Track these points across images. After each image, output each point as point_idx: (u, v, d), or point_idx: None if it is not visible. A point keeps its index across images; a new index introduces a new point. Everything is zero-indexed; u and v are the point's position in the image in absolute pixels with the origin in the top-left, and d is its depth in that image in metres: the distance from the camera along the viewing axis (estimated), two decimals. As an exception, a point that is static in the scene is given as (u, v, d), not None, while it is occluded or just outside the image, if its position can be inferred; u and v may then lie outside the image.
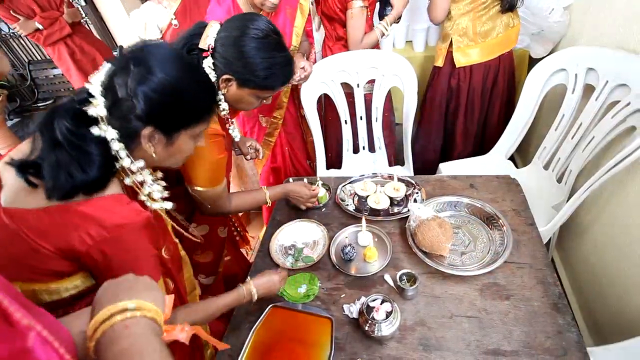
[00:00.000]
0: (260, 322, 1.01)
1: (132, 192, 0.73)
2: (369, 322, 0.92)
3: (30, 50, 4.11)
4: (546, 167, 1.63)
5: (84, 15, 3.16)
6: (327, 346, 0.93)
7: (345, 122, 1.85)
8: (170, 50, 0.71)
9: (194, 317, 0.84)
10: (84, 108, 0.63)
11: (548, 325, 0.91)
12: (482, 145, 2.00)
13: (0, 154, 1.30)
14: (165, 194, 0.79)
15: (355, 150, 1.96)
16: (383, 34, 1.70)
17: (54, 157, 0.60)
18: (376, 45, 1.78)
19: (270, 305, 1.04)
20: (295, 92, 1.77)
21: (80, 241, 0.61)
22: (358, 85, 1.77)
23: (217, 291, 1.31)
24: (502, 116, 1.92)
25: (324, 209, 1.36)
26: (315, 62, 1.83)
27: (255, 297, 0.96)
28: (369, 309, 0.93)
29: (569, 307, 0.94)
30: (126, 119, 0.65)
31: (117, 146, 0.65)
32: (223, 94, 0.99)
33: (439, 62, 1.83)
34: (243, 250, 1.66)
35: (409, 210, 1.21)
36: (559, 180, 1.54)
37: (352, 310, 1.00)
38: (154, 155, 0.70)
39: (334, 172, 1.92)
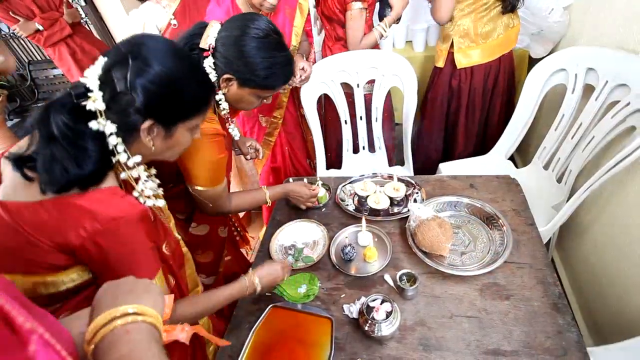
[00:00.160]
0: (260, 322, 1.01)
1: (127, 186, 0.74)
2: (369, 322, 0.92)
3: (30, 50, 4.11)
4: (546, 167, 1.63)
5: (83, 15, 3.16)
6: (327, 346, 0.93)
7: (345, 122, 1.85)
8: (166, 42, 0.71)
9: (195, 309, 0.84)
10: (83, 102, 0.62)
11: (548, 325, 0.91)
12: (483, 145, 2.00)
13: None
14: (159, 191, 0.79)
15: (355, 150, 1.96)
16: (382, 35, 1.70)
17: (49, 151, 0.61)
18: (375, 46, 1.78)
19: (270, 305, 1.04)
20: (295, 91, 1.78)
21: (76, 234, 0.61)
22: (358, 86, 1.77)
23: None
24: (502, 116, 1.92)
25: (324, 209, 1.36)
26: (314, 62, 1.83)
27: (259, 288, 0.96)
28: (369, 309, 0.93)
29: (569, 307, 0.94)
30: (125, 113, 0.65)
31: (114, 140, 0.65)
32: (224, 94, 1.00)
33: (440, 63, 1.83)
34: (243, 250, 1.66)
35: (409, 210, 1.21)
36: (559, 180, 1.54)
37: (352, 310, 1.00)
38: (153, 148, 0.71)
39: (334, 172, 1.92)
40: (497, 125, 1.92)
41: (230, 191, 1.19)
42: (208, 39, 0.93)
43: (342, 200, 1.36)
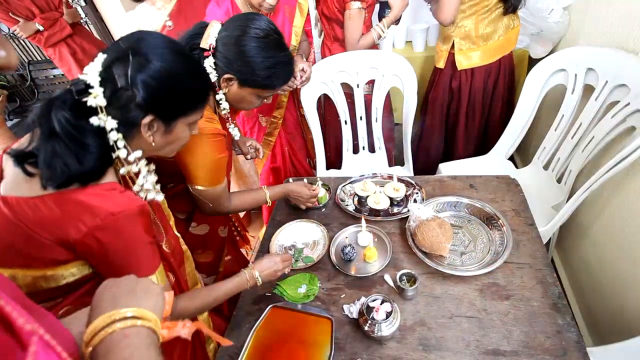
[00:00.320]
0: (260, 322, 1.01)
1: (126, 182, 0.74)
2: (369, 322, 0.92)
3: (30, 50, 4.11)
4: (546, 167, 1.63)
5: (83, 15, 3.16)
6: (327, 346, 0.93)
7: (345, 122, 1.86)
8: (164, 38, 0.71)
9: (195, 304, 0.84)
10: (83, 99, 0.63)
11: (548, 325, 0.91)
12: (483, 145, 2.00)
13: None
14: (158, 186, 0.80)
15: (355, 150, 1.96)
16: (380, 36, 1.69)
17: (50, 148, 0.61)
18: (374, 46, 1.78)
19: (270, 306, 1.04)
20: (295, 92, 1.78)
21: (76, 229, 0.61)
22: (358, 86, 1.77)
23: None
24: (502, 117, 1.92)
25: (324, 209, 1.36)
26: (314, 62, 1.83)
27: (260, 281, 0.97)
28: (369, 309, 0.94)
29: (569, 307, 0.94)
30: (126, 108, 0.65)
31: (115, 136, 0.65)
32: (224, 94, 1.00)
33: (440, 64, 1.83)
34: (243, 250, 1.66)
35: (408, 211, 1.21)
36: (559, 181, 1.54)
37: (352, 310, 1.00)
38: (153, 144, 0.71)
39: (334, 172, 1.92)
40: (497, 125, 1.92)
41: (230, 191, 1.19)
42: (209, 39, 0.93)
43: (342, 201, 1.36)
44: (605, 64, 1.33)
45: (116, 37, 3.41)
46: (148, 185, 0.75)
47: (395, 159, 2.09)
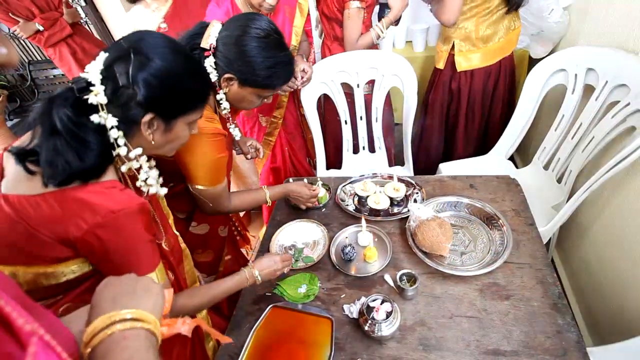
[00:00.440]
0: (260, 322, 1.01)
1: (127, 180, 0.75)
2: (369, 322, 0.92)
3: (30, 50, 4.11)
4: (546, 167, 1.63)
5: (83, 15, 3.16)
6: (327, 346, 0.93)
7: (345, 122, 1.86)
8: (165, 38, 0.72)
9: (194, 301, 0.85)
10: (85, 97, 0.63)
11: (548, 325, 0.91)
12: (483, 145, 2.00)
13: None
14: (161, 180, 0.80)
15: (355, 150, 1.96)
16: (379, 36, 1.69)
17: (52, 145, 0.61)
18: (373, 46, 1.78)
19: (271, 305, 1.04)
20: (295, 91, 1.78)
21: (76, 226, 0.62)
22: (358, 86, 1.77)
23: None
24: (502, 117, 1.92)
25: (324, 209, 1.36)
26: (314, 62, 1.83)
27: (259, 280, 0.97)
28: (369, 309, 0.94)
29: (569, 307, 0.94)
30: (127, 107, 0.66)
31: (115, 134, 0.66)
32: (224, 93, 1.00)
33: (440, 65, 1.83)
34: (243, 250, 1.67)
35: (409, 211, 1.21)
36: (559, 181, 1.54)
37: (352, 310, 1.00)
38: (152, 142, 0.72)
39: (334, 172, 1.92)
40: (497, 125, 1.92)
41: (230, 191, 1.19)
42: (209, 39, 0.93)
43: (342, 201, 1.36)
44: (605, 64, 1.33)
45: (116, 37, 3.41)
46: (151, 181, 0.76)
47: (395, 159, 2.09)
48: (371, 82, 1.79)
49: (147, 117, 0.68)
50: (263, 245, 1.27)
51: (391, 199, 1.30)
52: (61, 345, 0.37)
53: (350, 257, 1.13)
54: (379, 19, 1.71)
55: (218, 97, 1.00)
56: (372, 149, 1.94)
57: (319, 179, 1.42)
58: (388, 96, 1.85)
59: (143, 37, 0.69)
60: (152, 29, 1.83)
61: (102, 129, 0.65)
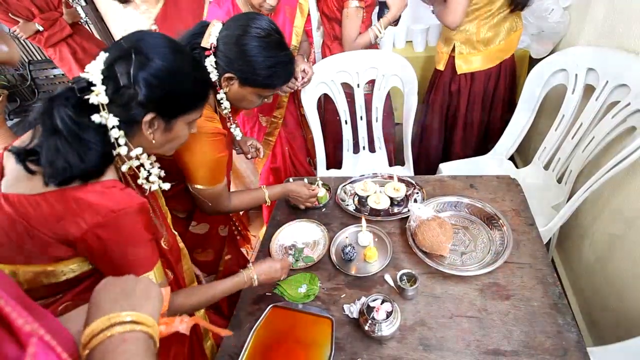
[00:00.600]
0: (261, 322, 1.01)
1: (127, 180, 0.75)
2: (369, 322, 0.92)
3: (30, 50, 4.11)
4: (546, 167, 1.63)
5: (83, 15, 3.16)
6: (327, 346, 0.93)
7: (346, 122, 1.86)
8: (165, 38, 0.73)
9: (191, 301, 0.85)
10: (86, 96, 0.64)
11: (548, 325, 0.91)
12: (484, 145, 2.00)
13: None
14: (162, 173, 0.81)
15: (356, 150, 1.96)
16: (377, 36, 1.69)
17: (52, 145, 0.62)
18: (372, 46, 1.78)
19: (271, 305, 1.04)
20: (295, 91, 1.77)
21: (76, 226, 0.62)
22: (358, 86, 1.77)
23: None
24: (503, 117, 1.92)
25: (324, 209, 1.36)
26: (314, 62, 1.83)
27: (256, 283, 0.98)
28: (369, 309, 0.94)
29: (569, 307, 0.94)
30: (128, 106, 0.66)
31: (116, 134, 0.66)
32: (225, 93, 1.00)
33: (441, 66, 1.83)
34: (244, 250, 1.67)
35: (409, 211, 1.21)
36: (559, 181, 1.54)
37: (352, 310, 1.00)
38: (153, 141, 0.72)
39: (334, 172, 1.92)
40: (498, 125, 1.92)
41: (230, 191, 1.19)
42: (210, 38, 0.93)
43: (343, 200, 1.36)
44: (605, 64, 1.33)
45: (116, 37, 3.41)
46: (153, 177, 0.76)
47: (396, 159, 2.09)
48: (371, 82, 1.79)
49: (148, 117, 0.68)
50: (263, 245, 1.27)
51: (391, 198, 1.30)
52: (61, 345, 0.37)
53: (350, 257, 1.13)
54: (378, 19, 1.71)
55: (218, 96, 1.00)
56: (372, 149, 1.94)
57: (318, 178, 1.42)
58: (388, 96, 1.85)
59: (143, 37, 0.70)
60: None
61: (102, 129, 0.66)
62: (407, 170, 1.81)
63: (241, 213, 2.01)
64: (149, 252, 0.72)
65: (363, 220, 1.17)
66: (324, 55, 1.87)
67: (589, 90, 1.41)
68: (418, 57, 2.42)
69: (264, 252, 1.23)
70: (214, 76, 0.96)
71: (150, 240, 0.72)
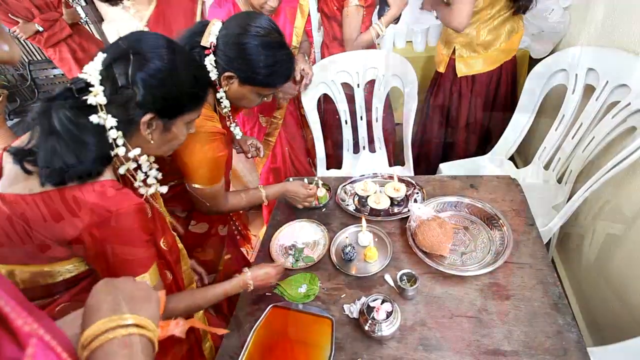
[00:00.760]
0: (261, 322, 1.01)
1: (125, 181, 0.75)
2: (370, 322, 0.92)
3: (30, 50, 4.11)
4: (546, 167, 1.63)
5: (83, 15, 3.16)
6: (327, 346, 0.93)
7: (346, 122, 1.86)
8: (163, 38, 0.72)
9: (186, 303, 0.85)
10: (84, 97, 0.63)
11: (548, 325, 0.90)
12: (484, 145, 2.00)
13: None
14: (160, 175, 0.80)
15: (356, 150, 1.96)
16: (378, 35, 1.69)
17: (50, 145, 0.62)
18: (373, 45, 1.78)
19: (271, 305, 1.04)
20: (295, 91, 1.78)
21: (73, 226, 0.62)
22: (358, 86, 1.77)
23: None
24: (503, 116, 1.92)
25: (324, 209, 1.36)
26: (314, 62, 1.83)
27: (251, 289, 0.98)
28: (370, 309, 0.93)
29: (569, 307, 0.94)
30: (126, 107, 0.66)
31: (114, 134, 0.66)
32: (225, 92, 1.00)
33: (441, 69, 1.83)
34: (244, 250, 1.66)
35: (409, 211, 1.21)
36: (559, 181, 1.54)
37: (353, 310, 1.00)
38: (151, 142, 0.72)
39: (334, 172, 1.92)
40: (498, 125, 1.92)
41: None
42: (209, 37, 0.93)
43: (343, 200, 1.36)
44: (605, 64, 1.33)
45: (109, 38, 3.41)
46: (150, 180, 0.76)
47: (396, 159, 2.09)
48: (371, 82, 1.79)
49: (147, 117, 0.68)
50: (263, 245, 1.27)
51: (391, 199, 1.30)
52: (61, 345, 0.36)
53: (350, 257, 1.13)
54: (379, 18, 1.71)
55: (218, 95, 1.00)
56: (372, 149, 1.94)
57: (318, 178, 1.42)
58: (388, 96, 1.85)
59: (142, 38, 0.69)
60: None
61: (100, 129, 0.65)
62: (407, 170, 1.81)
63: (240, 212, 2.01)
64: (145, 253, 0.72)
65: (363, 220, 1.17)
66: (323, 56, 1.87)
67: (589, 90, 1.41)
68: (418, 57, 2.42)
69: (264, 252, 1.23)
70: (213, 75, 0.95)
71: (147, 241, 0.72)
